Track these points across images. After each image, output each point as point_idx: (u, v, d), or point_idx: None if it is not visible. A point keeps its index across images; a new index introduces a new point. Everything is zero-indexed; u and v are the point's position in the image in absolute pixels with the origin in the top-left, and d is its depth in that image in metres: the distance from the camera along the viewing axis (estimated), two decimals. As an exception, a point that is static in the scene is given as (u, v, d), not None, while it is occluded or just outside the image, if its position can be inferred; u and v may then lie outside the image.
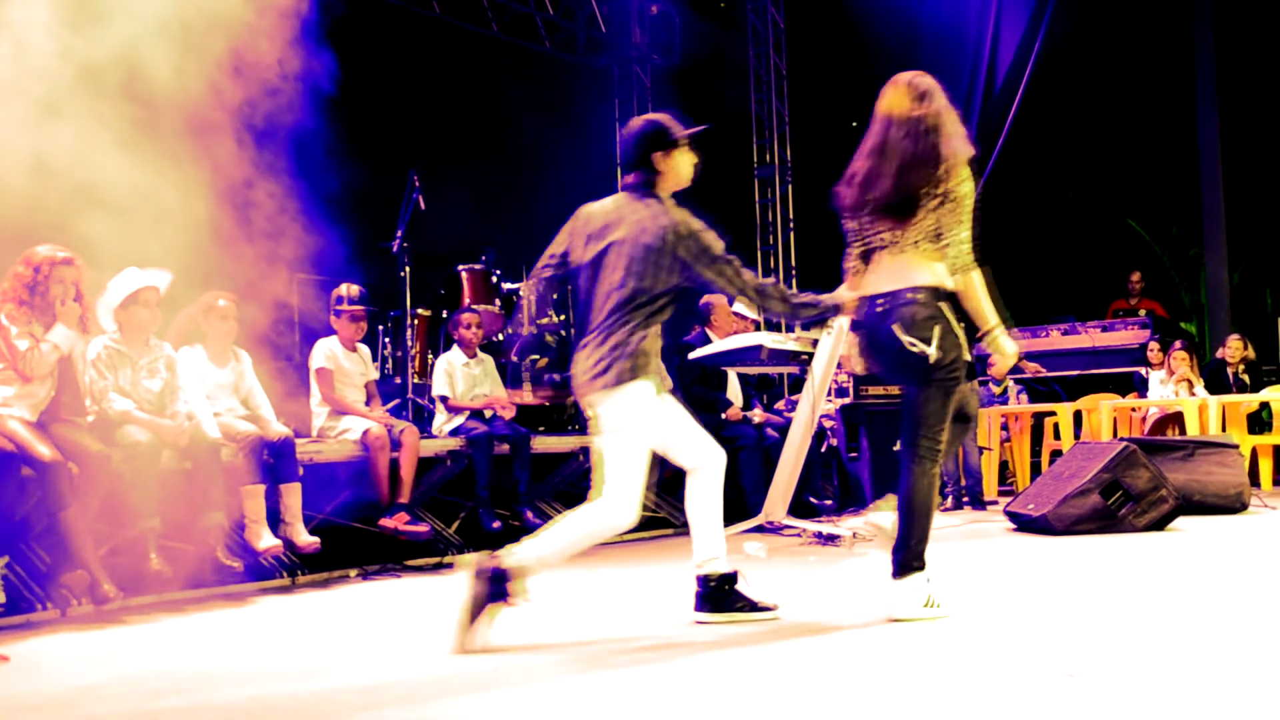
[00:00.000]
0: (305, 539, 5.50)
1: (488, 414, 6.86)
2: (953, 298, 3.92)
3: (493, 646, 3.71)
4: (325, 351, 6.37)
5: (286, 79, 6.09)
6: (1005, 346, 4.01)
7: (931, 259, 3.89)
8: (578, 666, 3.44)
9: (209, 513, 5.20)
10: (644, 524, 7.52)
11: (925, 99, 3.92)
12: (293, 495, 5.55)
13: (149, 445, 5.00)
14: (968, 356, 3.96)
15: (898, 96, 3.96)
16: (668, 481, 8.02)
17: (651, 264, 3.87)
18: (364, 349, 6.61)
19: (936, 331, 3.82)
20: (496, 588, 3.70)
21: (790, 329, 7.09)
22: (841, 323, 6.68)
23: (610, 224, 3.98)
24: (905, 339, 3.83)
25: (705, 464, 4.06)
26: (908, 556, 3.91)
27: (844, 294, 4.05)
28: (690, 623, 4.01)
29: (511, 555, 3.76)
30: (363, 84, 9.31)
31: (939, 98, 3.94)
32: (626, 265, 3.88)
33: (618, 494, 3.81)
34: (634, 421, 3.85)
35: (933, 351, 3.81)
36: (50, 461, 4.55)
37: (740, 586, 4.05)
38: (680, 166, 4.04)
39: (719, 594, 4.00)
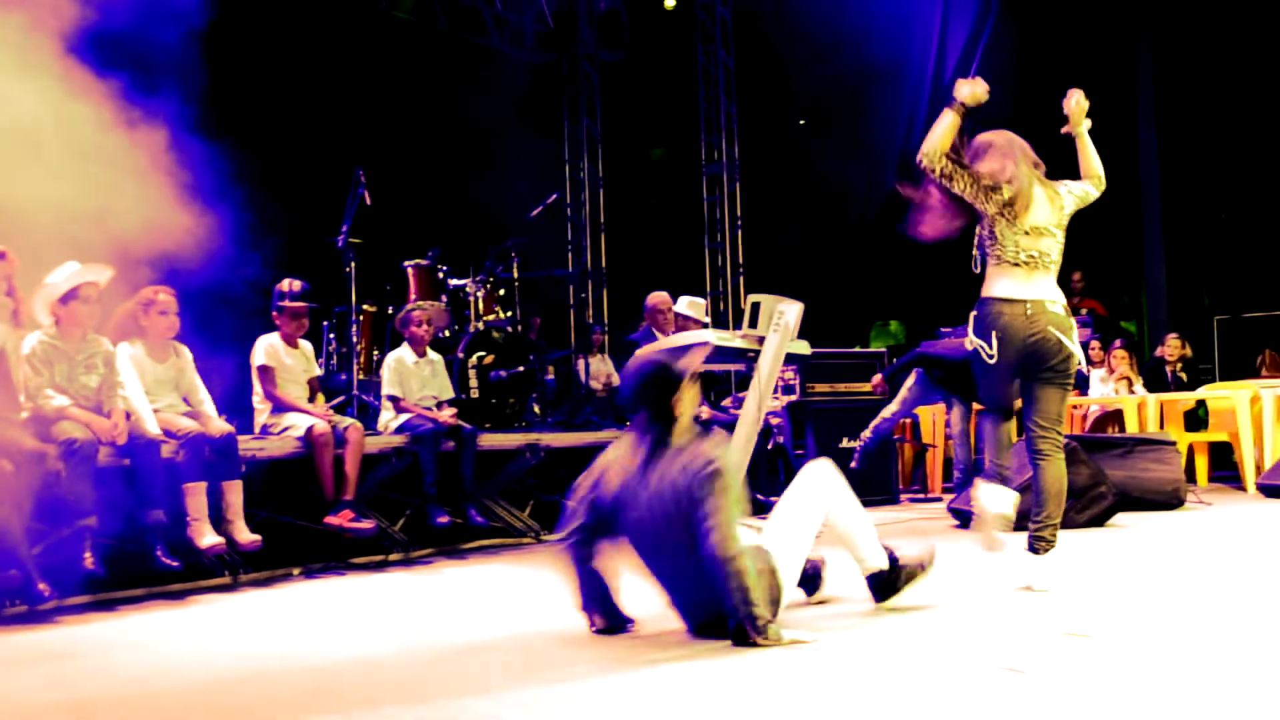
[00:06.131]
0: (246, 536, 5.43)
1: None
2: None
3: (438, 645, 3.68)
4: (266, 348, 6.29)
5: (229, 68, 6.04)
6: None
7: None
8: (524, 660, 3.43)
9: (148, 510, 5.13)
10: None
11: None
12: (234, 493, 5.48)
13: (86, 442, 4.91)
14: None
15: None
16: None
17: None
18: (306, 345, 6.53)
19: None
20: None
21: (738, 326, 7.09)
22: (788, 319, 6.72)
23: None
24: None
25: None
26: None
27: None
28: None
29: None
30: (308, 76, 9.24)
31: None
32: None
33: None
34: None
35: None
36: (-17, 459, 4.45)
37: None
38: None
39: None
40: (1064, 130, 4.66)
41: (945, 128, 4.38)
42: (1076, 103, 4.63)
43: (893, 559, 4.10)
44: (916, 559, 4.14)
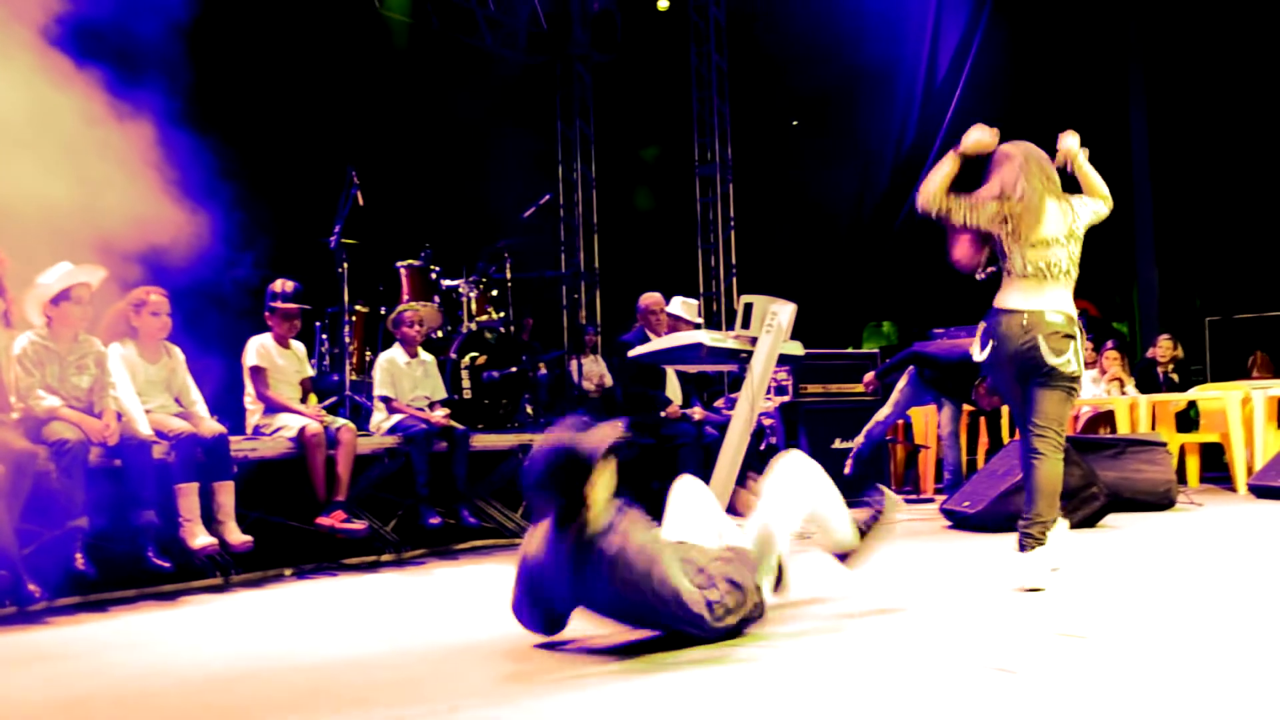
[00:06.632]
0: (238, 537, 5.43)
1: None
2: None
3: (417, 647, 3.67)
4: (258, 348, 6.28)
5: (219, 64, 6.03)
6: None
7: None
8: (518, 660, 3.43)
9: (140, 511, 5.11)
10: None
11: None
12: (226, 493, 5.47)
13: (77, 443, 4.89)
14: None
15: None
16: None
17: None
18: (298, 345, 6.52)
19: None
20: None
21: (730, 327, 7.10)
22: (781, 320, 6.72)
23: None
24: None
25: None
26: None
27: None
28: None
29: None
30: (300, 75, 9.22)
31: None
32: None
33: None
34: None
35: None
36: (-27, 459, 4.44)
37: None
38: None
39: None
40: (1058, 162, 4.67)
41: (944, 175, 4.44)
42: (1068, 148, 4.66)
43: (861, 529, 4.19)
44: (877, 518, 4.22)
